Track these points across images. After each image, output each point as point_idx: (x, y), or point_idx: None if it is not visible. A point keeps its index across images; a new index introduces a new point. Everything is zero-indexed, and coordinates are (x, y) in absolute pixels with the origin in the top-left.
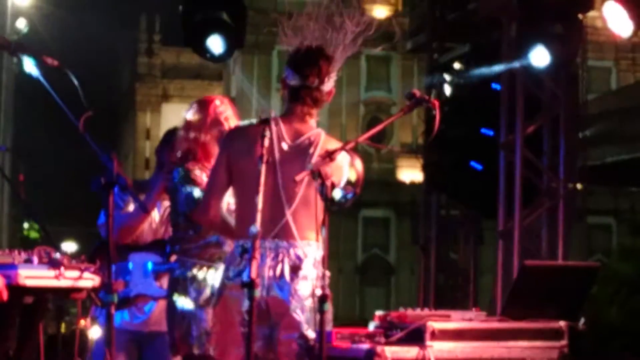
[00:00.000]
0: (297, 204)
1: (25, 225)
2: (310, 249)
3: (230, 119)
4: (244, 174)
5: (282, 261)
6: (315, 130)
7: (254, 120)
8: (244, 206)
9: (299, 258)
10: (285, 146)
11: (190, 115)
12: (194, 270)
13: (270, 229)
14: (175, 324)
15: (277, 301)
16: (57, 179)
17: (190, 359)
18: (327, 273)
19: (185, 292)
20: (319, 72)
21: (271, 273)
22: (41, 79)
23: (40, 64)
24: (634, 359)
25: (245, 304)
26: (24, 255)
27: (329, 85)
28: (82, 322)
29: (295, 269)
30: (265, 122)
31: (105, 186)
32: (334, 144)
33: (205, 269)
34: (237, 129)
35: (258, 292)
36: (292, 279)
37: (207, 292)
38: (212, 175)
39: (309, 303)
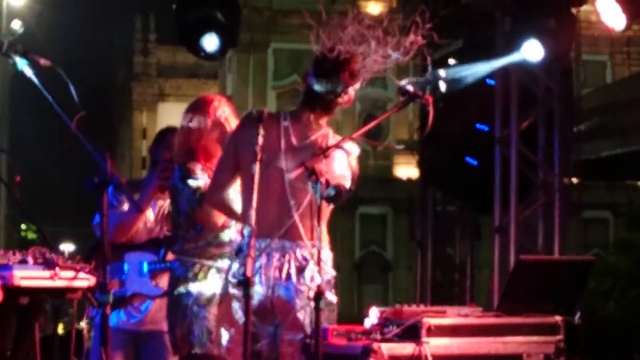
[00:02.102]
0: (304, 204)
1: (23, 226)
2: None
3: (230, 118)
4: (249, 168)
5: (289, 261)
6: (323, 130)
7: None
8: (247, 201)
9: (305, 259)
10: (292, 146)
11: (190, 117)
12: (195, 270)
13: (277, 229)
14: (176, 323)
15: (282, 301)
16: (55, 180)
17: (191, 358)
18: (333, 273)
19: (186, 292)
20: (337, 86)
21: (277, 273)
22: (34, 79)
23: (33, 64)
24: (631, 353)
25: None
26: (18, 256)
27: (346, 97)
28: (82, 324)
29: (301, 270)
30: (259, 120)
31: (98, 186)
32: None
33: (206, 268)
34: (246, 122)
35: (262, 290)
36: (297, 279)
37: (208, 291)
38: (219, 165)
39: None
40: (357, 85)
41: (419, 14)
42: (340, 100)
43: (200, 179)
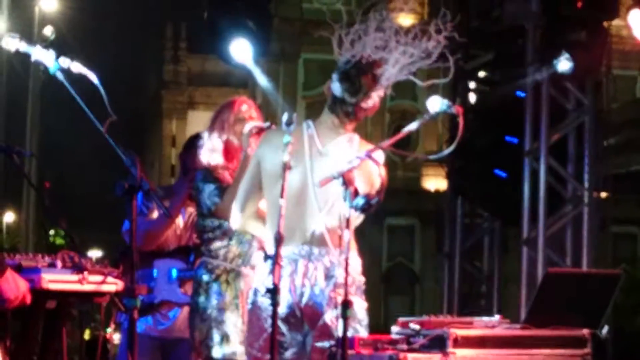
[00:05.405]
0: (329, 210)
1: (51, 231)
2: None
3: (255, 119)
4: (273, 179)
5: (316, 268)
6: (348, 134)
7: (284, 126)
8: (274, 212)
9: (332, 265)
10: (317, 152)
11: (215, 114)
12: (217, 272)
13: (303, 235)
14: (196, 327)
15: (311, 308)
16: (83, 187)
17: None
18: (362, 279)
19: (207, 296)
20: (358, 90)
21: (305, 280)
22: (66, 83)
23: (65, 70)
24: None
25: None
26: (47, 259)
27: (369, 102)
28: (108, 329)
29: (329, 276)
30: (289, 125)
31: (128, 190)
32: (366, 148)
33: (227, 272)
34: (267, 135)
35: (290, 298)
36: (326, 285)
37: (229, 295)
38: (237, 179)
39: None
40: (381, 92)
41: (441, 19)
42: (363, 105)
43: (222, 177)
